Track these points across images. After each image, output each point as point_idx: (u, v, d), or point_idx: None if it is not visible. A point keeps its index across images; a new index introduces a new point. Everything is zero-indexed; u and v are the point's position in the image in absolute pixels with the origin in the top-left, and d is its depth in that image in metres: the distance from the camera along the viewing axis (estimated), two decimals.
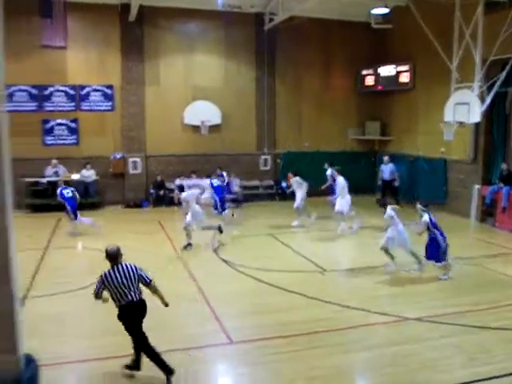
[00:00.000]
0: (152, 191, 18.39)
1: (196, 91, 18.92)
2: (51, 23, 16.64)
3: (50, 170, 17.37)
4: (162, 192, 18.31)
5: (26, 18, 16.13)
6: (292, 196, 15.37)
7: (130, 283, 5.93)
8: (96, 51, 18.02)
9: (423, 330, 7.60)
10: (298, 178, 14.97)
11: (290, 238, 13.55)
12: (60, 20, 17.13)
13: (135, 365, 6.17)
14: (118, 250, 6.09)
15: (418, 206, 10.10)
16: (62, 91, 17.92)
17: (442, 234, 9.80)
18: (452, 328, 7.63)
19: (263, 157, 20.08)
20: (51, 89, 17.75)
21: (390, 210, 10.25)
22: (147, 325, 6.45)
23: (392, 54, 19.61)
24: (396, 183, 17.95)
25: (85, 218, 13.95)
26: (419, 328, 7.68)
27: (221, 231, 12.78)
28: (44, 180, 17.10)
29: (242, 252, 12.30)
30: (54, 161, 17.40)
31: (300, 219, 14.79)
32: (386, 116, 20.46)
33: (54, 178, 17.15)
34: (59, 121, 17.95)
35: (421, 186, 18.06)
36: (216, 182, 15.30)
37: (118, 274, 5.91)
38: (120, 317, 5.96)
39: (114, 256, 6.02)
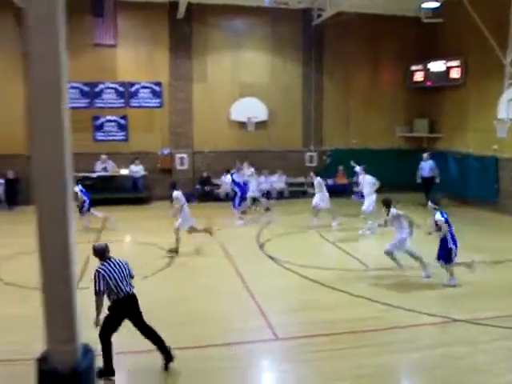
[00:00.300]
0: (198, 187, 18.62)
1: (243, 88, 19.02)
2: (103, 22, 17.06)
3: (99, 166, 17.85)
4: (207, 188, 18.52)
5: (79, 17, 16.57)
6: (336, 194, 15.06)
7: (124, 276, 6.06)
8: (145, 49, 18.38)
9: (473, 333, 7.41)
10: (319, 179, 14.52)
11: (334, 236, 13.47)
12: (110, 19, 17.56)
13: (167, 357, 6.22)
14: (106, 246, 6.21)
15: (430, 204, 9.61)
16: (111, 88, 18.36)
17: (452, 235, 9.26)
18: (503, 331, 7.40)
19: (309, 154, 20.00)
20: (102, 86, 18.22)
21: (394, 209, 9.81)
22: (191, 320, 6.51)
23: (442, 48, 19.13)
24: (437, 180, 17.53)
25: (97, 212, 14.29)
26: (468, 330, 7.49)
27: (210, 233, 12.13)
28: (94, 175, 17.57)
29: (287, 249, 12.30)
30: (104, 156, 17.86)
31: (337, 218, 14.55)
32: (435, 113, 19.99)
33: (103, 173, 17.64)
34: (109, 117, 18.41)
35: (471, 183, 17.58)
36: (237, 176, 15.49)
37: (113, 267, 6.02)
38: (113, 309, 6.02)
39: (102, 252, 6.14)
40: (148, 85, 18.51)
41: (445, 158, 18.63)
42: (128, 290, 6.03)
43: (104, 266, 6.01)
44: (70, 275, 2.82)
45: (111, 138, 18.40)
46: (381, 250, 10.19)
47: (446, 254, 9.22)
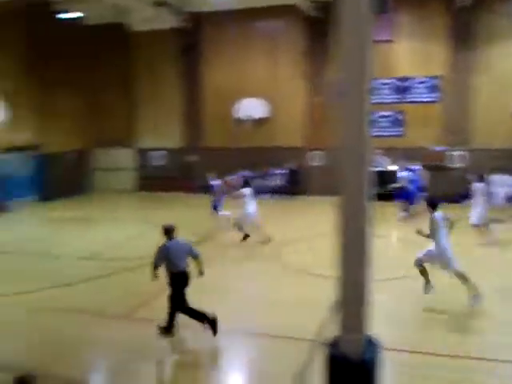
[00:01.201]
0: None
1: None
2: (383, 19, 17.19)
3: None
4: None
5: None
6: None
7: (182, 254, 7.09)
8: (421, 42, 18.07)
9: None
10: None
11: None
12: (388, 15, 17.60)
13: (168, 328, 6.99)
14: (173, 226, 7.25)
15: None
16: (386, 84, 18.50)
17: None
18: None
19: None
20: (376, 82, 18.47)
21: (438, 213, 8.02)
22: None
23: None
24: None
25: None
26: None
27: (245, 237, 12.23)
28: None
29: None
30: (378, 151, 18.07)
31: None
32: None
33: (378, 168, 17.83)
34: (383, 113, 18.58)
35: None
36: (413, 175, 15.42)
37: (175, 246, 7.10)
38: (171, 283, 7.01)
39: (169, 231, 7.18)
40: (424, 79, 18.10)
41: None
42: (183, 266, 7.04)
43: (168, 243, 7.10)
44: (365, 265, 2.90)
45: (385, 133, 18.56)
46: None
47: None
